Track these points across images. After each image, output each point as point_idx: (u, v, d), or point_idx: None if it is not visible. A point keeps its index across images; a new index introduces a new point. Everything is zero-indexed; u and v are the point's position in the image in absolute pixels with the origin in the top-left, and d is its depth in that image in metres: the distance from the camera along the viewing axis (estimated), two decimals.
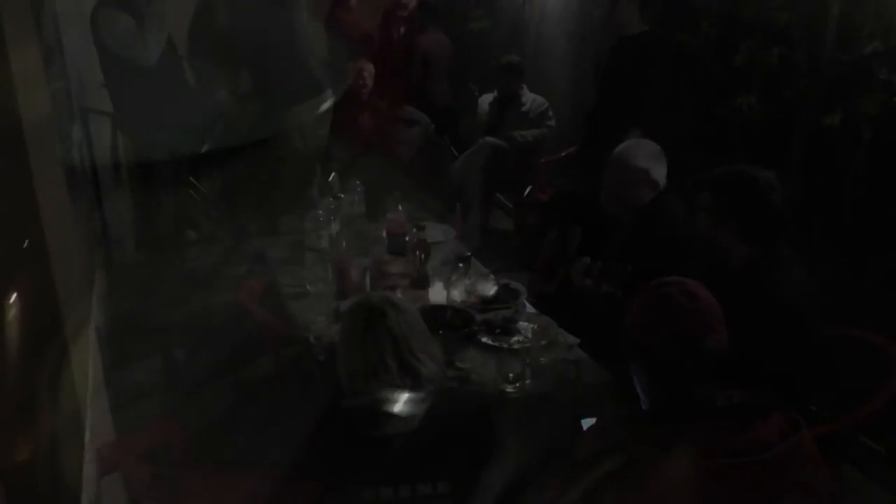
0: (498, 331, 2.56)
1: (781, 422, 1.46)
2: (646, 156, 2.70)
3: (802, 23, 3.21)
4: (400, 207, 3.26)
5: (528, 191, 5.08)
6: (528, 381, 2.27)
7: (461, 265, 2.98)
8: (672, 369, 1.50)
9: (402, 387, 1.68)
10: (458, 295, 2.84)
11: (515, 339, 2.52)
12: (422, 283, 2.93)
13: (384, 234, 3.29)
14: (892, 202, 2.94)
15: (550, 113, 5.07)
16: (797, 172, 3.27)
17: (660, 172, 2.69)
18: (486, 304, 2.77)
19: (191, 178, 5.24)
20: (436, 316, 2.55)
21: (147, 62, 3.88)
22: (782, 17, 3.26)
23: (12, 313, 1.73)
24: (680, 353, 1.48)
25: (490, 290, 2.85)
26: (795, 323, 2.13)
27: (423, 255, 2.97)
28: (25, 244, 1.84)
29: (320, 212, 3.34)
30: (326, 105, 4.53)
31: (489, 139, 5.02)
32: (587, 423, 1.89)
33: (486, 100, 5.29)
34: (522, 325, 2.59)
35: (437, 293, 2.76)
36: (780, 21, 3.27)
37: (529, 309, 2.76)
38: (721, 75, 3.67)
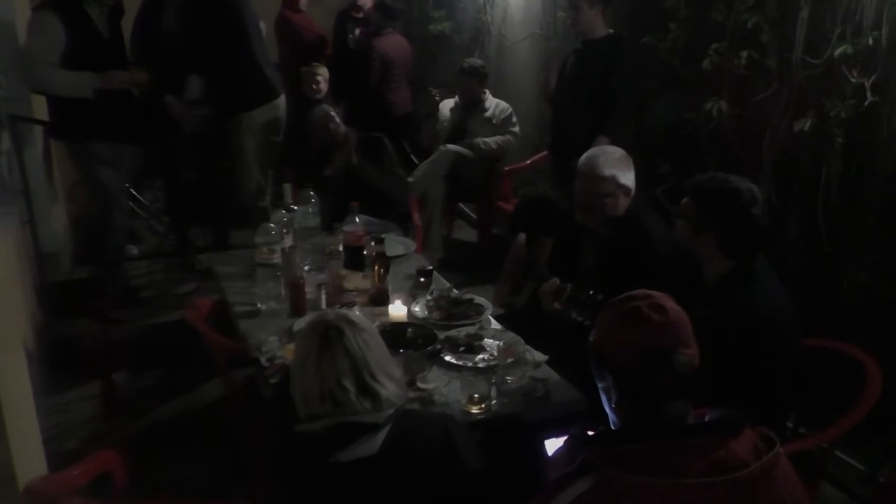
0: (462, 349, 2.52)
1: (755, 439, 1.44)
2: (611, 162, 2.65)
3: (772, 25, 3.20)
4: (357, 219, 3.21)
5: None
6: (493, 402, 2.22)
7: (423, 279, 3.00)
8: (641, 386, 1.47)
9: (361, 410, 1.64)
10: (419, 311, 2.81)
11: (480, 357, 2.48)
12: (381, 299, 2.88)
13: (340, 247, 3.23)
14: (864, 207, 2.93)
15: (514, 118, 5.06)
16: (768, 177, 3.27)
17: (628, 177, 2.66)
18: (450, 320, 2.73)
19: (132, 190, 5.08)
20: (396, 334, 2.53)
21: (60, 91, 3.75)
22: (751, 19, 3.24)
23: None
24: (649, 368, 1.45)
25: (453, 305, 2.81)
26: (771, 337, 2.10)
27: (382, 270, 2.92)
28: None
29: (272, 224, 3.26)
30: (280, 110, 4.41)
31: (451, 146, 4.98)
32: (556, 443, 1.85)
33: (447, 105, 5.29)
34: (488, 342, 2.56)
35: (397, 310, 2.72)
36: (748, 23, 3.26)
37: (495, 325, 2.73)
38: (690, 79, 3.67)
